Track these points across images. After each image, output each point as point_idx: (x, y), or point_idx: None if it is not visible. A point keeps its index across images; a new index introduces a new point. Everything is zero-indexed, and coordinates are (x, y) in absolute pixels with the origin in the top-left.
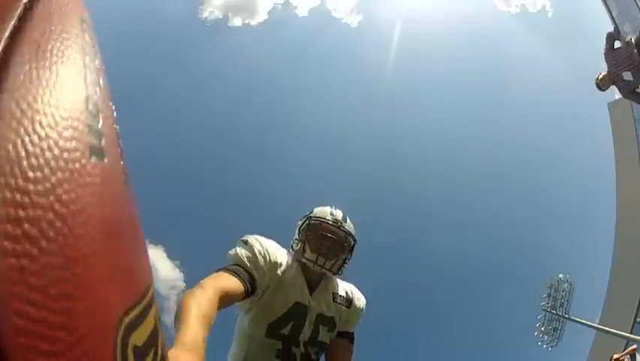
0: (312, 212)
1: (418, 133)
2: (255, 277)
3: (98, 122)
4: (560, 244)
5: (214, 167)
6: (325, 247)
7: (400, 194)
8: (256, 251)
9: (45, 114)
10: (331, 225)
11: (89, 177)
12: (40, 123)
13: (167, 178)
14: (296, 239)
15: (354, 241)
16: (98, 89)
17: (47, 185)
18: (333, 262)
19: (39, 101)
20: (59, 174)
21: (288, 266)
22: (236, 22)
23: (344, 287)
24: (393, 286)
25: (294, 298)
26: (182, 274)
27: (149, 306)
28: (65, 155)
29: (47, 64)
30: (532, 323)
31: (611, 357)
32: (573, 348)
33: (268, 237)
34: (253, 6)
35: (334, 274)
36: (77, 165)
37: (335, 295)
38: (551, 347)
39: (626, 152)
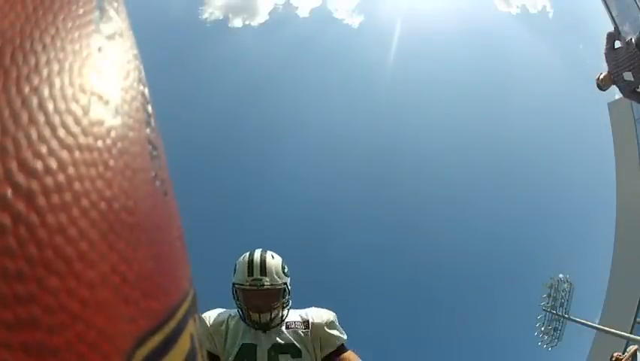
0: (234, 272)
1: (418, 132)
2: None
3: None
4: (560, 244)
5: (214, 167)
6: (254, 306)
7: (399, 192)
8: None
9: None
10: (251, 289)
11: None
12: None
13: None
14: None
15: (284, 283)
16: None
17: None
18: (271, 313)
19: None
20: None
21: (231, 318)
22: (237, 22)
23: (299, 313)
24: (392, 285)
25: (241, 341)
26: None
27: (180, 328)
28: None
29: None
30: (532, 323)
31: (612, 356)
32: (573, 348)
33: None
34: (254, 7)
35: (278, 325)
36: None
37: (288, 323)
38: (551, 347)
39: (626, 152)
